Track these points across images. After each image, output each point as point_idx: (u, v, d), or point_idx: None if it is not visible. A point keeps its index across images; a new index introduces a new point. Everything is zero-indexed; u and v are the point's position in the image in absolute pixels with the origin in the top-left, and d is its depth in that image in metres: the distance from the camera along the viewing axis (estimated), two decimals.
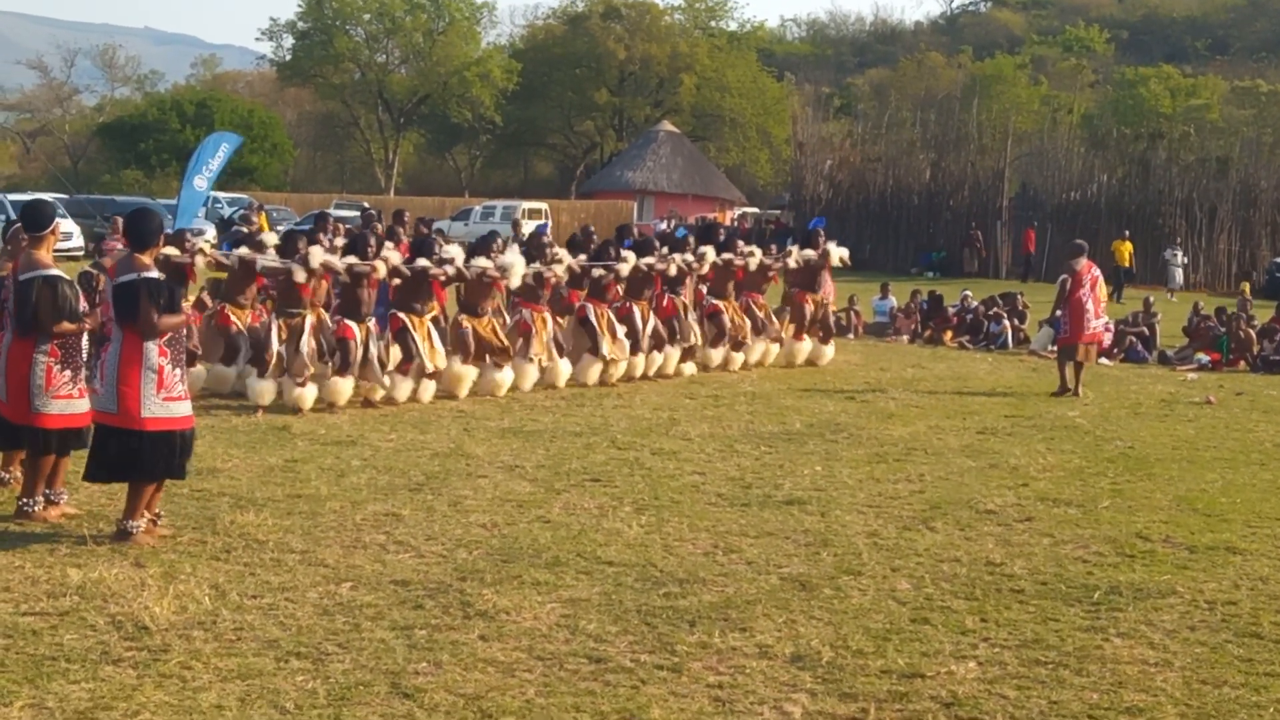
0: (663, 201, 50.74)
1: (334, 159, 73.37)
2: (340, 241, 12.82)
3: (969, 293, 21.61)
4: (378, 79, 64.74)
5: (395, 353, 12.06)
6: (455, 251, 12.59)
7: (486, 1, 67.79)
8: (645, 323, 13.88)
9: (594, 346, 13.44)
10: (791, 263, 15.80)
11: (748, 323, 15.19)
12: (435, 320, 12.36)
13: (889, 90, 62.25)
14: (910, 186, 38.68)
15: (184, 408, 6.89)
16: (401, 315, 11.96)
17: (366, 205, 32.67)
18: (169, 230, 11.48)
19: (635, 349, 13.75)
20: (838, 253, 16.12)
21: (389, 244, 12.59)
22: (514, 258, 12.79)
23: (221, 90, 71.93)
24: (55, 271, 7.26)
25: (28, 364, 7.18)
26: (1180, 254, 32.98)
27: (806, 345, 15.89)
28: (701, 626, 5.75)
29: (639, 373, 13.89)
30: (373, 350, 11.50)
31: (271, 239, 13.14)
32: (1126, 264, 30.65)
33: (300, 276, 11.49)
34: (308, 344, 11.38)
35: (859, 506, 8.20)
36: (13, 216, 20.01)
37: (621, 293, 13.95)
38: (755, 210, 51.28)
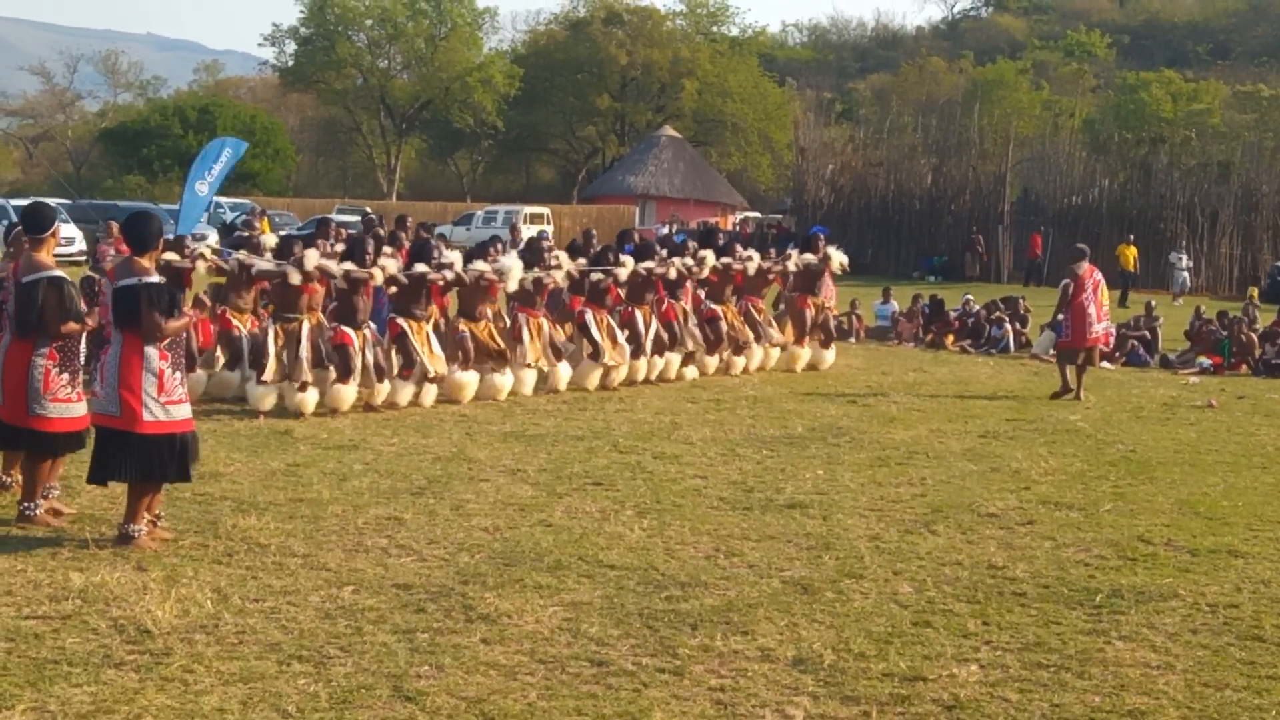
0: (664, 206, 50.78)
1: (336, 164, 73.42)
2: (340, 247, 12.82)
3: (970, 297, 21.58)
4: (380, 84, 64.77)
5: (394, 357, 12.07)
6: (454, 257, 12.60)
7: (488, 7, 68.23)
8: (647, 327, 13.89)
9: (594, 351, 13.44)
10: (791, 266, 15.80)
11: (747, 328, 15.19)
12: (435, 326, 12.37)
13: (890, 95, 62.20)
14: (912, 191, 38.75)
15: (184, 410, 6.89)
16: (400, 321, 11.96)
17: (368, 210, 32.64)
18: (169, 236, 11.52)
19: (637, 353, 13.76)
20: (838, 258, 16.11)
21: (390, 249, 12.60)
22: (511, 262, 12.80)
23: (224, 96, 72.10)
24: (59, 273, 7.27)
25: (26, 366, 7.17)
26: (1185, 258, 32.96)
27: (807, 350, 15.89)
28: (703, 630, 5.75)
29: (640, 377, 13.90)
30: (368, 356, 11.50)
31: (270, 240, 13.16)
32: (1131, 268, 30.65)
33: (295, 279, 11.49)
34: (306, 349, 11.38)
35: (861, 510, 8.20)
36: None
37: (623, 297, 13.96)
38: (757, 215, 51.34)
